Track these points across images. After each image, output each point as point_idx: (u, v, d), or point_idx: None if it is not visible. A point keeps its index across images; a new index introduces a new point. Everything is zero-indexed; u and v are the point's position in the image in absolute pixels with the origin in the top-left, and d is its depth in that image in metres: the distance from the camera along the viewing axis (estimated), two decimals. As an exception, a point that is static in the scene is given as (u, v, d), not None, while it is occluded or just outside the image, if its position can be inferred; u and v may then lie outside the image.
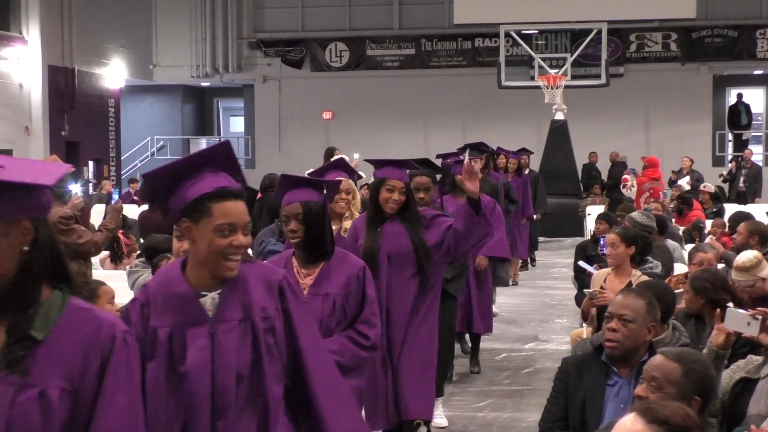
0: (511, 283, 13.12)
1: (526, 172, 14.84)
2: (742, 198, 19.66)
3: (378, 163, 5.83)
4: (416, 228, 5.61)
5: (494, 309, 11.00)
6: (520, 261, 14.57)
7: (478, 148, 10.59)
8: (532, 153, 16.02)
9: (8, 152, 20.43)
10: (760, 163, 27.08)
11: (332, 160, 6.79)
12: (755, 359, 4.38)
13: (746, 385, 4.25)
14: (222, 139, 31.80)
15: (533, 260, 15.81)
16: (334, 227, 6.00)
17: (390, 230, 5.65)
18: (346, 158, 8.48)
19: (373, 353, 4.53)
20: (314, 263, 4.49)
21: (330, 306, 4.42)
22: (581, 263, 8.48)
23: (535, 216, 14.85)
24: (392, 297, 5.66)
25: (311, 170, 6.60)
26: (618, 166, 21.55)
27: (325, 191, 4.54)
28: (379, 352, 5.38)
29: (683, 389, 3.48)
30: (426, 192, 6.42)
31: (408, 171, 5.96)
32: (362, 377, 4.53)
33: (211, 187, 3.10)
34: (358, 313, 4.45)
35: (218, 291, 3.14)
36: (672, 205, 14.84)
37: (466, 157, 5.46)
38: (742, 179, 20.63)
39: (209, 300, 3.14)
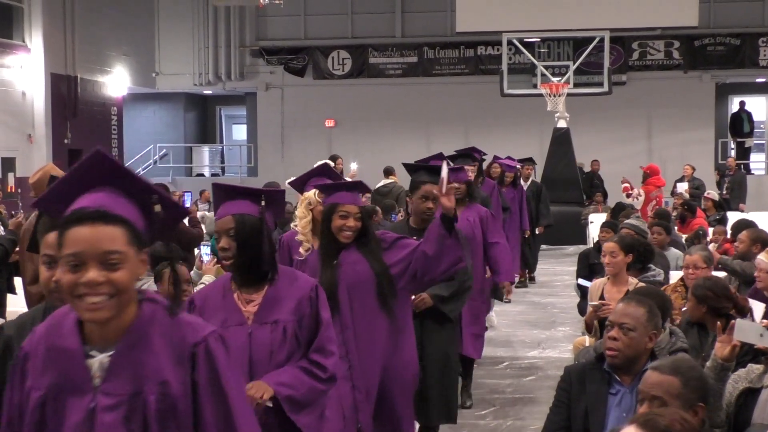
0: (504, 300, 12.31)
1: (528, 182, 14.36)
2: (726, 205, 19.68)
3: (328, 189, 5.12)
4: (376, 253, 4.93)
5: (493, 318, 10.76)
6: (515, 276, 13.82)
7: (470, 156, 9.79)
8: (535, 164, 15.89)
9: (11, 160, 20.46)
10: (762, 171, 27.13)
11: (316, 165, 6.26)
12: (756, 368, 4.37)
13: (750, 396, 4.24)
14: (224, 147, 31.89)
15: (532, 278, 14.90)
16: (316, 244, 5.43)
17: (347, 259, 4.95)
18: (331, 163, 8.02)
19: (332, 385, 3.96)
20: (256, 286, 3.90)
21: (280, 335, 3.84)
22: (581, 281, 8.49)
23: (537, 230, 14.31)
24: (359, 336, 4.94)
25: (292, 179, 6.04)
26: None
27: (263, 202, 3.91)
28: (347, 399, 4.85)
29: (687, 400, 3.47)
30: (435, 203, 5.80)
31: (363, 192, 5.29)
32: (317, 412, 3.94)
33: (70, 211, 2.43)
34: (313, 340, 3.90)
35: (110, 352, 2.41)
36: (675, 213, 14.82)
37: (444, 170, 4.69)
38: (725, 186, 20.69)
39: (97, 363, 2.41)
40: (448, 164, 6.66)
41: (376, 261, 4.92)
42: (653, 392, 3.51)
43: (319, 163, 6.92)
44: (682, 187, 17.88)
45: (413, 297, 5.93)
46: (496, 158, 13.38)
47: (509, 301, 12.26)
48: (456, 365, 6.56)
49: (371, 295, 4.92)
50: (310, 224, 5.50)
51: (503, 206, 11.49)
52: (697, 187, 18.88)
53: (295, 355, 3.86)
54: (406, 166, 6.43)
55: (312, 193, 5.54)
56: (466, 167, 8.75)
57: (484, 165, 11.98)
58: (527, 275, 14.69)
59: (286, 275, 3.96)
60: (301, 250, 5.39)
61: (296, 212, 5.53)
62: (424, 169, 6.09)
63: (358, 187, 5.11)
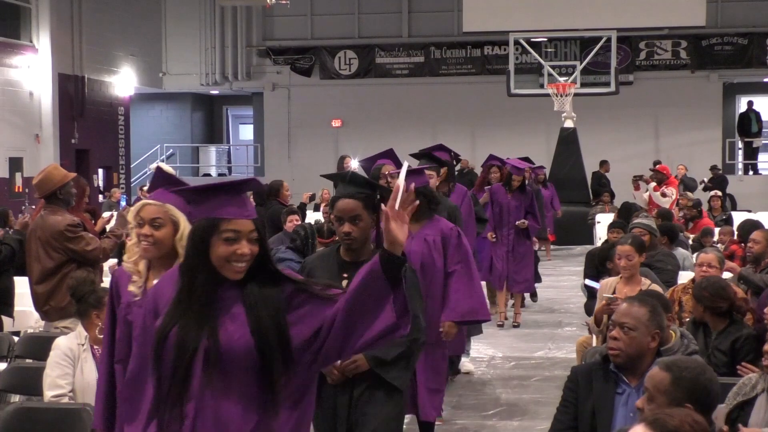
0: (500, 321, 11.13)
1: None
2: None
3: (196, 194, 3.12)
4: (268, 301, 3.00)
5: (468, 365, 8.98)
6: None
7: (433, 157, 7.67)
8: (534, 166, 15.38)
9: (18, 160, 20.50)
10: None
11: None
12: (747, 380, 4.42)
13: (743, 408, 4.29)
14: (231, 147, 31.96)
15: (534, 294, 12.77)
16: (135, 279, 3.85)
17: (222, 309, 3.01)
18: (167, 168, 6.26)
19: None
20: None
21: None
22: (588, 281, 8.50)
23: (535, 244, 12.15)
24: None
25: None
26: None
27: None
28: None
29: (673, 398, 3.44)
30: (354, 224, 4.29)
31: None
32: None
33: None
34: None
35: None
36: (680, 214, 14.78)
37: (402, 175, 2.93)
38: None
39: None
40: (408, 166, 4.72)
41: (264, 315, 2.98)
42: (646, 383, 3.54)
43: (153, 165, 5.71)
44: (672, 193, 17.60)
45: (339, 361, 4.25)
46: (492, 158, 11.68)
47: (518, 325, 11.13)
48: None
49: (242, 371, 2.98)
50: (138, 250, 3.85)
51: (479, 217, 9.11)
52: (690, 188, 18.92)
53: None
54: (327, 177, 5.04)
55: (137, 206, 3.89)
56: (427, 171, 6.72)
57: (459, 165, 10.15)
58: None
59: None
60: (131, 287, 3.77)
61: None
62: (339, 179, 4.53)
63: (244, 185, 3.12)
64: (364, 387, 4.46)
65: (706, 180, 21.51)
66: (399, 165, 6.85)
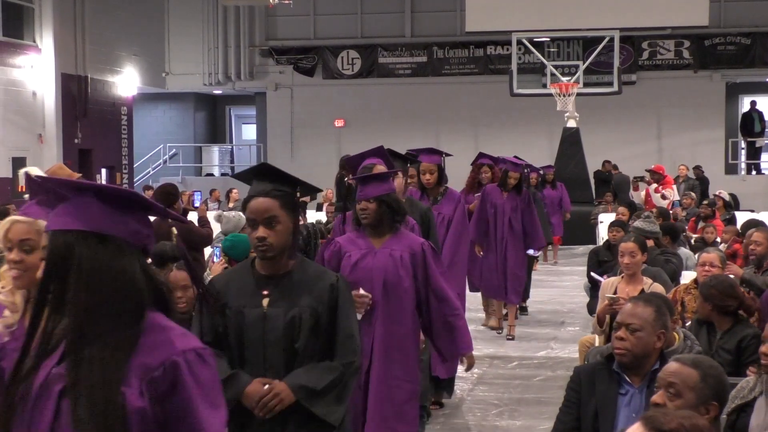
0: (507, 337, 10.50)
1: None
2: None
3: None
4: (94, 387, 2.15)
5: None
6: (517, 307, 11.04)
7: (402, 158, 6.78)
8: (533, 167, 15.08)
9: (21, 160, 20.52)
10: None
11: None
12: (744, 383, 4.43)
13: (743, 411, 4.30)
14: (233, 147, 31.97)
15: (524, 308, 11.93)
16: (7, 315, 3.01)
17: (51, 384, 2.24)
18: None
19: None
20: None
21: None
22: (592, 274, 8.50)
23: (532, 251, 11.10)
24: None
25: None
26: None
27: None
28: None
29: (702, 394, 3.48)
30: (269, 227, 3.58)
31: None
32: None
33: None
34: None
35: None
36: (685, 214, 14.78)
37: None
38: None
39: None
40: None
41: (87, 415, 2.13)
42: (670, 379, 3.53)
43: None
44: (670, 194, 17.48)
45: (265, 386, 3.57)
46: (482, 156, 10.93)
47: (512, 338, 10.42)
48: None
49: None
50: (11, 279, 3.00)
51: None
52: (691, 188, 18.95)
53: None
54: (236, 177, 4.23)
55: (5, 224, 3.12)
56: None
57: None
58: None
59: None
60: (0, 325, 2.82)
61: None
62: (253, 175, 3.75)
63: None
64: (294, 425, 3.65)
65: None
66: (390, 164, 5.86)
